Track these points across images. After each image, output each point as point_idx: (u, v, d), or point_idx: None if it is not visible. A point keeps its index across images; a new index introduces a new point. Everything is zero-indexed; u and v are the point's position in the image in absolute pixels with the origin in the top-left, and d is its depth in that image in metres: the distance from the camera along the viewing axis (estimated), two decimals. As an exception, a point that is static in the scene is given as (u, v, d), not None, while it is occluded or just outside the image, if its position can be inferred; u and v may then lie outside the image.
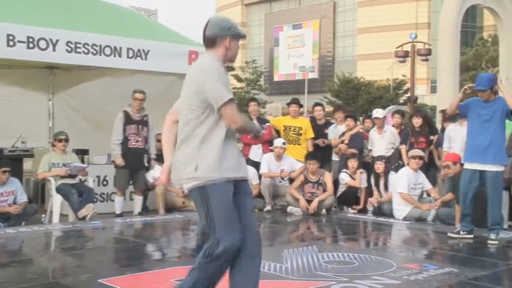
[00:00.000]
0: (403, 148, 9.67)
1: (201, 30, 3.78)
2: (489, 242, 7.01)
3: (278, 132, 10.40)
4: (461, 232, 7.33)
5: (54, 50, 8.11)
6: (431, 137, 9.79)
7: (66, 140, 8.82)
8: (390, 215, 9.07)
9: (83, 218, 8.26)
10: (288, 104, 10.85)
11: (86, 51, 8.49)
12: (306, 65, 56.25)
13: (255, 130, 3.98)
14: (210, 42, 3.75)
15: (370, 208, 9.36)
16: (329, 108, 32.24)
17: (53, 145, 9.01)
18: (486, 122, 7.05)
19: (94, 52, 8.59)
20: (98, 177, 9.45)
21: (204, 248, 3.58)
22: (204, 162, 3.56)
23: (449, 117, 9.58)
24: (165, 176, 3.90)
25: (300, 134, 10.33)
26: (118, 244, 7.37)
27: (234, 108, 3.56)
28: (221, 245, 3.53)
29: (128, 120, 8.88)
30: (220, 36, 3.73)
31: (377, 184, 9.56)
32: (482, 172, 7.09)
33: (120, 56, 8.88)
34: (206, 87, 3.56)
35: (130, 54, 8.99)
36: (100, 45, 8.63)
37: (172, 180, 3.81)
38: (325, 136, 10.52)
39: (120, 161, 8.80)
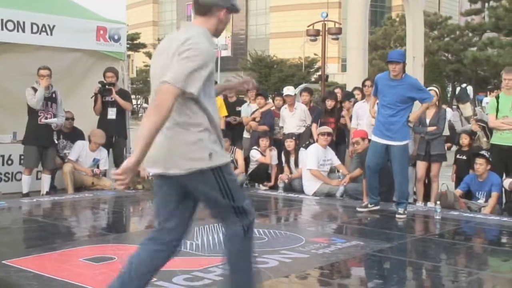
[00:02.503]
0: (314, 126, 9.84)
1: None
2: (397, 216, 7.28)
3: None
4: (369, 205, 7.60)
5: (-50, 24, 7.73)
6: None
7: (-32, 119, 8.46)
8: (301, 191, 9.25)
9: (-13, 199, 7.98)
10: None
11: (-14, 25, 8.15)
12: (218, 43, 56.03)
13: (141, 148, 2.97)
14: (203, 9, 3.27)
15: (280, 184, 9.50)
16: (242, 86, 32.37)
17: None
18: (393, 101, 7.27)
19: (-4, 26, 8.25)
20: (3, 156, 9.10)
21: (235, 229, 3.30)
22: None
23: (345, 96, 9.86)
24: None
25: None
26: (25, 224, 7.15)
27: (171, 95, 2.96)
28: (250, 213, 3.35)
29: None
30: (217, 6, 3.27)
31: (287, 161, 9.72)
32: (387, 147, 7.34)
33: (23, 31, 8.57)
34: (177, 59, 3.03)
35: (35, 29, 8.71)
36: (2, 20, 8.30)
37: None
38: (237, 113, 10.55)
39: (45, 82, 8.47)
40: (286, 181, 9.50)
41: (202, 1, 3.27)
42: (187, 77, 2.99)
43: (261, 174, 9.88)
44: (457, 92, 17.43)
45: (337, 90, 10.66)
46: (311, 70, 45.94)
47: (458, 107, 9.63)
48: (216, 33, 3.36)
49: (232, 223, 3.31)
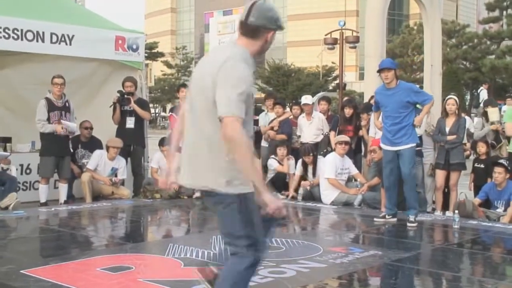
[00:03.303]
0: (332, 134, 9.80)
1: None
2: (408, 224, 7.24)
3: None
4: (387, 216, 7.54)
5: (-28, 34, 7.82)
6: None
7: (-13, 128, 8.55)
8: (320, 199, 9.21)
9: (6, 208, 8.04)
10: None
11: (6, 35, 8.27)
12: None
13: (259, 182, 3.10)
14: (251, 31, 3.20)
15: (301, 191, 9.44)
16: (259, 95, 32.41)
17: (-26, 134, 8.72)
18: (394, 109, 7.29)
19: (16, 37, 8.37)
20: (21, 165, 9.18)
21: (245, 259, 3.22)
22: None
23: (364, 108, 9.81)
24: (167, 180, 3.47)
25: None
26: (43, 233, 7.18)
27: (236, 127, 2.98)
28: (263, 248, 3.28)
29: (51, 107, 8.64)
30: (265, 28, 3.21)
31: (305, 171, 9.65)
32: (397, 153, 7.33)
33: (43, 41, 8.65)
34: (221, 88, 3.04)
35: (54, 39, 8.77)
36: (22, 30, 8.40)
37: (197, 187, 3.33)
38: (254, 122, 10.54)
39: (60, 127, 8.53)
40: (308, 188, 9.43)
41: (251, 23, 3.19)
42: (236, 104, 2.99)
43: (278, 183, 9.85)
44: (480, 98, 17.27)
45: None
46: (329, 78, 45.82)
47: (484, 113, 9.53)
48: (261, 53, 3.33)
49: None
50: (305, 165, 9.66)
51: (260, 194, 3.06)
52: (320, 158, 9.53)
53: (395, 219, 7.52)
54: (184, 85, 11.90)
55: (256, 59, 3.35)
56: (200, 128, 3.16)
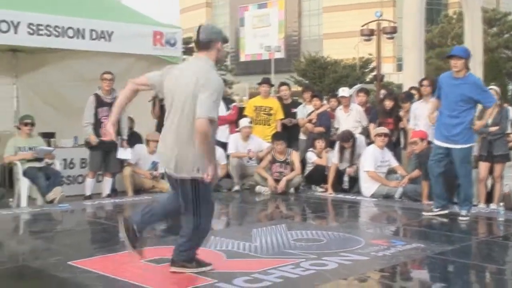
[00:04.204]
0: (371, 126, 9.73)
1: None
2: (460, 218, 7.11)
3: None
4: (434, 209, 7.40)
5: (16, 32, 8.00)
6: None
7: (32, 124, 8.75)
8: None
9: (51, 202, 8.21)
10: (259, 84, 10.80)
11: (48, 33, 8.39)
12: (272, 45, 56.10)
13: (211, 160, 4.31)
14: (204, 45, 4.38)
15: (346, 178, 9.41)
16: (296, 88, 32.33)
17: (19, 129, 8.92)
18: (455, 101, 7.05)
19: (57, 34, 8.49)
20: (65, 160, 9.35)
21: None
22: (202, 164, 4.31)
23: (405, 97, 9.69)
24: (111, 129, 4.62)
25: (271, 115, 10.33)
26: (88, 226, 7.34)
27: (208, 126, 4.14)
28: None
29: (99, 103, 8.78)
30: (213, 40, 4.39)
31: (341, 158, 9.51)
32: (450, 150, 7.16)
33: (83, 38, 8.78)
34: (202, 94, 4.16)
35: (94, 36, 8.90)
36: (63, 27, 8.52)
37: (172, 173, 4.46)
38: (292, 115, 10.54)
39: (94, 138, 8.69)
40: (353, 174, 9.38)
41: (202, 40, 4.37)
42: (212, 108, 4.16)
43: (317, 176, 9.84)
44: None
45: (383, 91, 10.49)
46: (366, 70, 45.44)
47: None
48: (218, 60, 4.46)
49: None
50: (342, 152, 9.53)
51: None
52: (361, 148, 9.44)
53: (445, 211, 7.36)
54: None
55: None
56: (186, 125, 4.28)
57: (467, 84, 7.00)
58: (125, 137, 9.01)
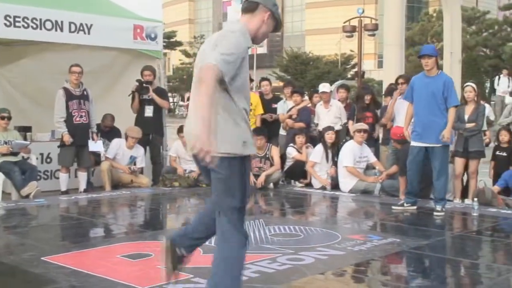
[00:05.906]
0: (350, 123, 9.76)
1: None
2: (435, 213, 7.21)
3: None
4: (405, 204, 7.52)
5: (-8, 24, 7.88)
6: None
7: (9, 118, 8.65)
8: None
9: (27, 196, 8.13)
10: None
11: (25, 25, 8.31)
12: (254, 40, 55.89)
13: (205, 118, 3.05)
14: (248, 7, 3.47)
15: (328, 179, 9.39)
16: (278, 83, 32.34)
17: (-5, 122, 8.80)
18: (428, 100, 7.17)
19: (34, 26, 8.41)
20: (42, 154, 9.27)
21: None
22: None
23: (387, 92, 9.75)
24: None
25: (250, 110, 10.28)
26: (64, 221, 7.26)
27: (213, 71, 3.09)
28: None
29: (69, 96, 8.70)
30: (264, 5, 3.45)
31: (327, 155, 9.52)
32: (427, 148, 7.25)
33: (61, 30, 8.69)
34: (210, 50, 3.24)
35: (72, 29, 8.82)
36: (41, 19, 8.43)
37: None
38: (273, 110, 10.53)
39: (68, 137, 8.62)
40: (334, 175, 9.35)
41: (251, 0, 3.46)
42: (217, 58, 3.12)
43: (297, 171, 9.85)
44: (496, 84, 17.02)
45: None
46: (347, 66, 45.54)
47: None
48: (257, 35, 3.48)
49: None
50: (326, 148, 9.50)
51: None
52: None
53: (414, 207, 7.50)
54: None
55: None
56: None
57: (440, 82, 7.15)
58: (94, 129, 8.97)
